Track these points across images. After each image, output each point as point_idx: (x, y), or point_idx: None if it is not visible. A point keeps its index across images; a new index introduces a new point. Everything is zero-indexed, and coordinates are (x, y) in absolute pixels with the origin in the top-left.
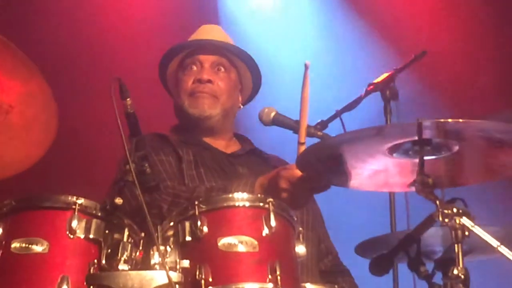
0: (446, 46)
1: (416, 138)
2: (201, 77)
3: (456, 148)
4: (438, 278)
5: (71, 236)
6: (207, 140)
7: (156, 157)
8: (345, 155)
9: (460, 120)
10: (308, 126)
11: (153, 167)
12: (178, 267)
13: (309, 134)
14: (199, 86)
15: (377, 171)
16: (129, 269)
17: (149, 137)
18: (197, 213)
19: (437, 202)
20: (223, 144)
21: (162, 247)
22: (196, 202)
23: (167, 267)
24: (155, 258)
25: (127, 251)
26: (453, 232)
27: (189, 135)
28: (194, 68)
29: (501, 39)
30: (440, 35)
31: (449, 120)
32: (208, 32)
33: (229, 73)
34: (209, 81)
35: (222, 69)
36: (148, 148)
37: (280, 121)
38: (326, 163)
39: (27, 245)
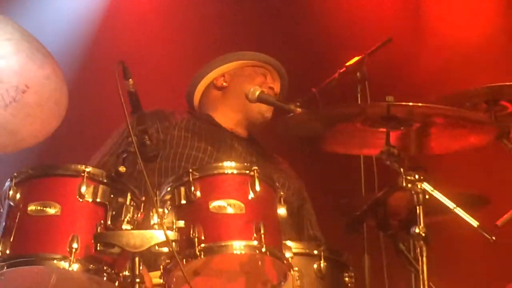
0: (407, 33)
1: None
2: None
3: (417, 124)
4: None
5: (81, 200)
6: (221, 122)
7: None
8: (325, 124)
9: (420, 104)
10: (290, 103)
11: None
12: (174, 227)
13: (291, 110)
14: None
15: (351, 140)
16: (132, 229)
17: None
18: (191, 179)
19: (401, 169)
20: (234, 128)
21: (160, 210)
22: (190, 170)
23: (165, 227)
24: (154, 219)
25: (129, 213)
26: (415, 195)
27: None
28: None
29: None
30: (402, 23)
31: (410, 103)
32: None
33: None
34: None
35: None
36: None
37: (264, 99)
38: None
39: (41, 208)
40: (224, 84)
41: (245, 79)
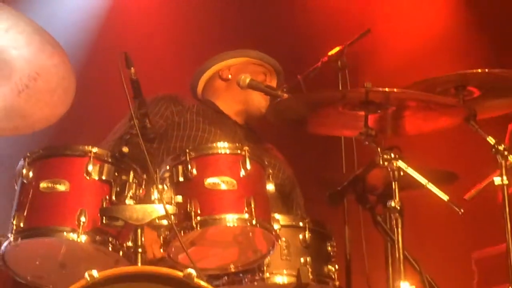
0: (384, 25)
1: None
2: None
3: (393, 107)
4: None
5: (88, 178)
6: (223, 109)
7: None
8: (309, 108)
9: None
10: (276, 89)
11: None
12: (173, 201)
13: (278, 96)
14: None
15: (332, 122)
16: (134, 203)
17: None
18: (188, 159)
19: (378, 149)
20: (234, 117)
21: (160, 186)
22: (187, 150)
23: (164, 202)
24: (155, 195)
25: (132, 189)
26: (391, 172)
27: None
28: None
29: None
30: (380, 16)
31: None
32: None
33: None
34: None
35: None
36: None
37: (254, 86)
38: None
39: (52, 185)
40: (229, 76)
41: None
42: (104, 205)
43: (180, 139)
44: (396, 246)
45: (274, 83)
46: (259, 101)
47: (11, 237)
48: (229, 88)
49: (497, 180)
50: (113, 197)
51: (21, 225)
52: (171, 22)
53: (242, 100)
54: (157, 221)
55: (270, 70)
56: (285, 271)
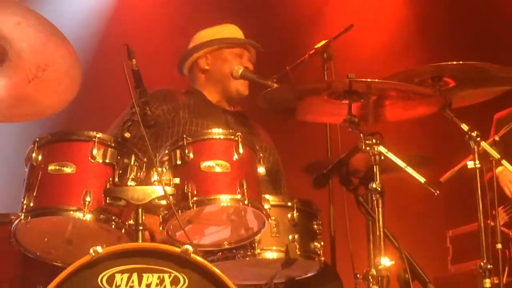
0: (367, 21)
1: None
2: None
3: (374, 96)
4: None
5: (92, 161)
6: (209, 98)
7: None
8: (297, 97)
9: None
10: (267, 79)
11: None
12: (171, 183)
13: (268, 85)
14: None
15: (318, 110)
16: (135, 185)
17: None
18: (185, 143)
19: (361, 135)
20: (219, 103)
21: (159, 169)
22: (185, 136)
23: (163, 183)
24: (155, 177)
25: (133, 171)
26: (372, 157)
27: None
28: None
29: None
30: (362, 12)
31: (368, 79)
32: (238, 32)
33: None
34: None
35: None
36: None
37: (246, 76)
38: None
39: (59, 167)
40: (207, 67)
41: (222, 62)
42: (108, 186)
43: (176, 134)
44: (377, 224)
45: (254, 56)
46: (236, 88)
47: (22, 216)
48: (208, 78)
49: (470, 164)
50: (116, 179)
51: (31, 204)
52: (170, 15)
53: (222, 89)
54: (156, 201)
55: (246, 48)
56: (274, 247)
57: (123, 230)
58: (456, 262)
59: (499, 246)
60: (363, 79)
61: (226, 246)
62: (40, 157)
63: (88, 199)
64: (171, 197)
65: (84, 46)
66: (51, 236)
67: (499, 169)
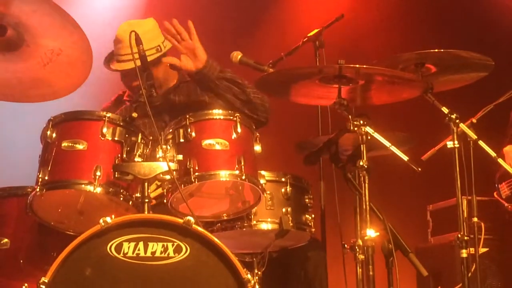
0: (357, 11)
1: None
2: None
3: (362, 81)
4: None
5: (102, 139)
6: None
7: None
8: (291, 81)
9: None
10: (264, 65)
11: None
12: (175, 159)
13: (265, 70)
14: None
15: (310, 93)
16: (142, 161)
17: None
18: (187, 123)
19: (350, 116)
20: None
21: (164, 146)
22: (187, 116)
23: (167, 160)
24: (159, 153)
25: (140, 148)
26: (360, 136)
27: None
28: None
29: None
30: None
31: (357, 65)
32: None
33: None
34: None
35: None
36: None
37: (244, 62)
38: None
39: (72, 144)
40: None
41: None
42: (116, 162)
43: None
44: (363, 199)
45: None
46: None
47: (37, 189)
48: (164, 72)
49: (449, 144)
50: (124, 155)
51: (46, 178)
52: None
53: (173, 75)
54: (161, 175)
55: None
56: (269, 219)
57: (130, 202)
58: (436, 234)
59: (475, 219)
60: (352, 65)
61: (225, 218)
62: (54, 135)
63: (98, 173)
64: (174, 172)
65: (108, 44)
66: (64, 207)
67: (507, 148)
